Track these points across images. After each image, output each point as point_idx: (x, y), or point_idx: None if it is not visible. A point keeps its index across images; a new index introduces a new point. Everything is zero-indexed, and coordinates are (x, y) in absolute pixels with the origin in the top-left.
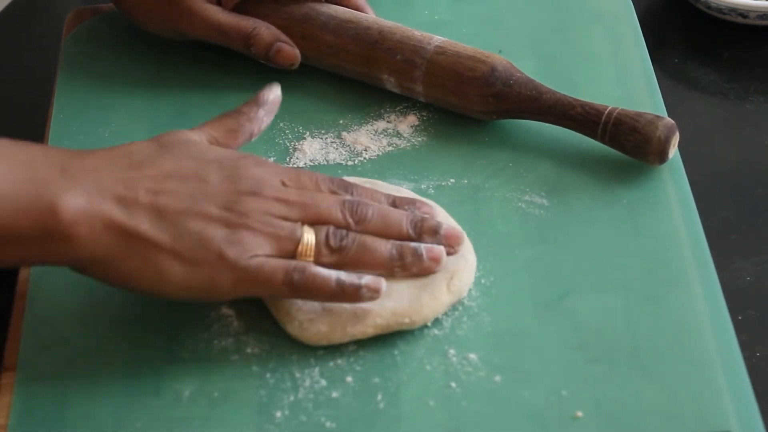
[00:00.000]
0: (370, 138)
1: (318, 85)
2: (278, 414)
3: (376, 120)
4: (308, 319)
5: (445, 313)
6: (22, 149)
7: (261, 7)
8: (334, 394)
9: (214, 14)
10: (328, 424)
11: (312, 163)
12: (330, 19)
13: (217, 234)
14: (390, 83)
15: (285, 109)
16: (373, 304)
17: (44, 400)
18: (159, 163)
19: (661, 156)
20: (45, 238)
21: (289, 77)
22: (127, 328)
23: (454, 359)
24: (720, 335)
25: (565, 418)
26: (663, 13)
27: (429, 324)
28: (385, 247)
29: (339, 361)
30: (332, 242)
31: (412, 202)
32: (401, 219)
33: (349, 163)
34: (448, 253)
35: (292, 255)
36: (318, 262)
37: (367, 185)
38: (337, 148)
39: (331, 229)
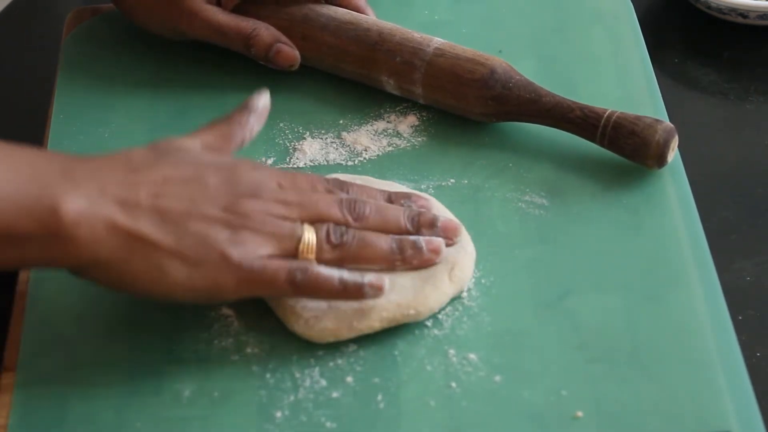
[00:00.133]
0: (370, 138)
1: (318, 85)
2: (278, 414)
3: (376, 120)
4: (314, 317)
5: (446, 313)
6: (23, 152)
7: (261, 8)
8: (334, 394)
9: (214, 15)
10: (328, 424)
11: (312, 164)
12: (330, 20)
13: (219, 235)
14: (389, 85)
15: (285, 110)
16: (378, 299)
17: (44, 400)
18: (157, 168)
19: (660, 160)
20: (47, 239)
21: (289, 77)
22: (127, 328)
23: (454, 359)
24: (720, 335)
25: (565, 418)
26: (663, 13)
27: (429, 324)
28: (385, 242)
29: (339, 361)
30: (333, 238)
31: (407, 196)
32: (399, 214)
33: (349, 163)
34: (447, 245)
35: (294, 254)
36: (320, 259)
37: (358, 182)
38: (337, 149)
39: (331, 226)
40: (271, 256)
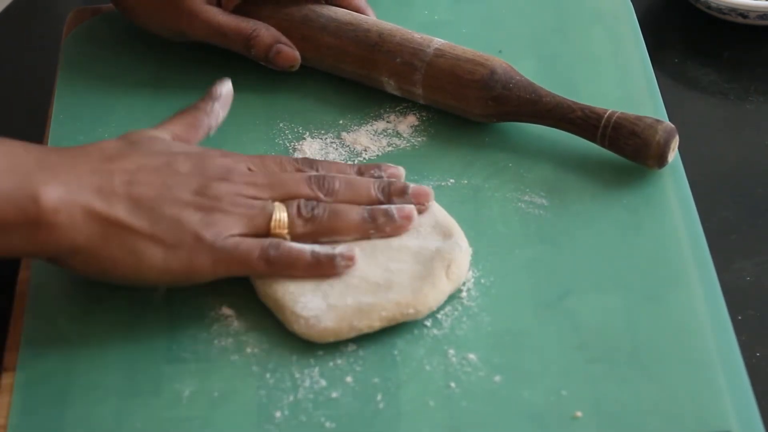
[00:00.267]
0: (369, 138)
1: (318, 85)
2: (278, 414)
3: (375, 120)
4: (314, 317)
5: (445, 313)
6: (0, 143)
7: (261, 8)
8: (334, 394)
9: (215, 16)
10: (327, 424)
11: None
12: (330, 21)
13: (192, 218)
14: (389, 86)
15: (285, 109)
16: (376, 298)
17: (44, 400)
18: (130, 157)
19: (660, 160)
20: (28, 227)
21: (289, 78)
22: (127, 328)
23: (454, 359)
24: (720, 335)
25: (565, 418)
26: (663, 13)
27: (428, 324)
28: (356, 212)
29: (339, 361)
30: (304, 213)
31: (377, 167)
32: (369, 185)
33: (349, 163)
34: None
35: (267, 232)
36: (293, 234)
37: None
38: (336, 149)
39: (302, 201)
40: (243, 236)
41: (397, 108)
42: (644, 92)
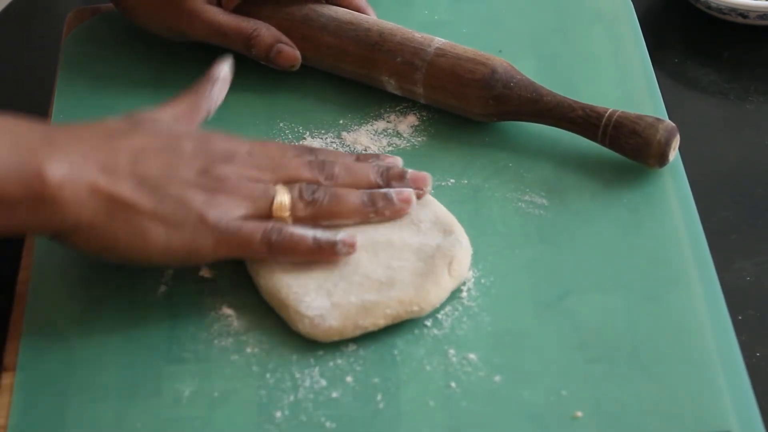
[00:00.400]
0: (369, 138)
1: (318, 85)
2: (278, 414)
3: (375, 120)
4: (318, 315)
5: (445, 313)
6: (4, 120)
7: (261, 8)
8: (334, 394)
9: (215, 15)
10: (328, 424)
11: None
12: (330, 20)
13: (196, 197)
14: (390, 85)
15: (285, 109)
16: (380, 296)
17: (44, 400)
18: (134, 136)
19: (661, 159)
20: (32, 203)
21: (289, 77)
22: (127, 328)
23: (454, 359)
24: (720, 335)
25: (565, 418)
26: (663, 13)
27: (429, 324)
28: (356, 196)
29: (339, 361)
30: (305, 196)
31: (375, 156)
32: (368, 170)
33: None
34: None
35: (269, 215)
36: (295, 218)
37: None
38: (336, 148)
39: (303, 185)
40: (246, 218)
41: (398, 108)
42: (644, 92)
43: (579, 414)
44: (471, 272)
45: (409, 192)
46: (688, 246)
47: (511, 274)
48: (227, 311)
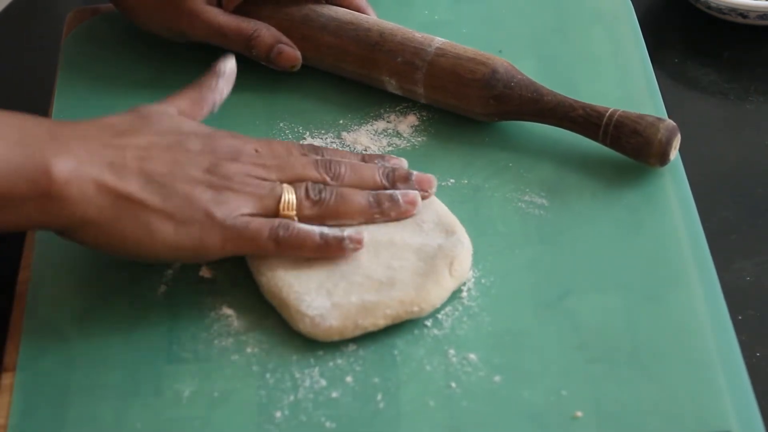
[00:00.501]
0: (369, 138)
1: (318, 85)
2: (278, 414)
3: (375, 120)
4: (319, 315)
5: (445, 313)
6: (10, 117)
7: (261, 8)
8: (334, 394)
9: (215, 16)
10: (328, 424)
11: None
12: (330, 20)
13: (203, 195)
14: (391, 85)
15: (285, 109)
16: (380, 296)
17: (44, 400)
18: (141, 133)
19: (663, 158)
20: (39, 200)
21: (289, 77)
22: (127, 328)
23: (454, 359)
24: (720, 335)
25: (565, 418)
26: (663, 13)
27: (429, 324)
28: (362, 196)
29: (339, 361)
30: (312, 195)
31: (381, 157)
32: (374, 171)
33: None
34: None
35: (275, 213)
36: (301, 216)
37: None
38: (336, 148)
39: (310, 184)
40: (253, 215)
41: (398, 108)
42: (644, 92)
43: (579, 414)
44: (471, 272)
45: (415, 194)
46: (688, 246)
47: (511, 274)
48: (227, 311)
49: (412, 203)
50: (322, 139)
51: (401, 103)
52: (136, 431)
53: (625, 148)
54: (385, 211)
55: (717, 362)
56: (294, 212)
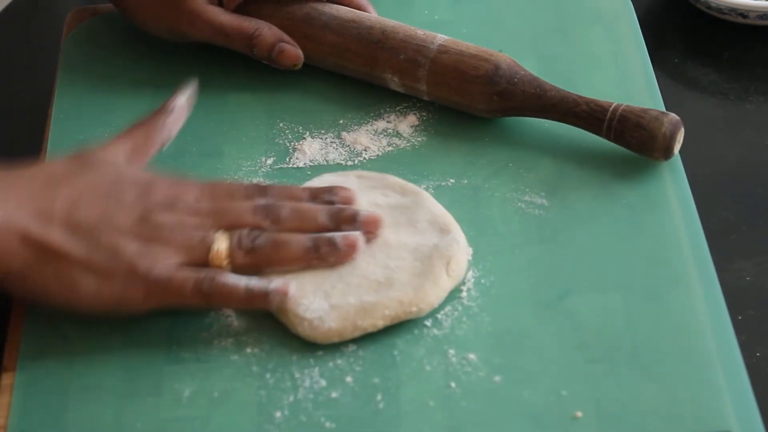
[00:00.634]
0: (369, 138)
1: (317, 84)
2: (278, 414)
3: (375, 120)
4: (317, 318)
5: (445, 313)
6: None
7: (263, 7)
8: (334, 394)
9: (216, 16)
10: (327, 424)
11: (312, 163)
12: (332, 18)
13: (129, 247)
14: (393, 82)
15: (285, 109)
16: (378, 296)
17: (44, 400)
18: (76, 181)
19: (667, 152)
20: None
21: (289, 77)
22: (127, 328)
23: (454, 359)
24: (720, 335)
25: (565, 418)
26: (663, 13)
27: (428, 324)
28: (299, 242)
29: (339, 361)
30: (245, 243)
31: (330, 189)
32: (317, 212)
33: (349, 163)
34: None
35: (206, 262)
36: (234, 264)
37: (351, 177)
38: (336, 148)
39: (245, 231)
40: (180, 267)
41: (398, 107)
42: (644, 92)
43: (579, 414)
44: (471, 272)
45: (356, 236)
46: (688, 246)
47: (511, 274)
48: (227, 311)
49: (352, 246)
50: (322, 138)
51: (401, 102)
52: (136, 431)
53: (629, 143)
54: (324, 256)
55: (717, 362)
56: (225, 261)
